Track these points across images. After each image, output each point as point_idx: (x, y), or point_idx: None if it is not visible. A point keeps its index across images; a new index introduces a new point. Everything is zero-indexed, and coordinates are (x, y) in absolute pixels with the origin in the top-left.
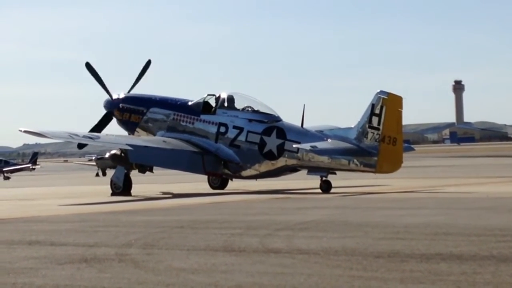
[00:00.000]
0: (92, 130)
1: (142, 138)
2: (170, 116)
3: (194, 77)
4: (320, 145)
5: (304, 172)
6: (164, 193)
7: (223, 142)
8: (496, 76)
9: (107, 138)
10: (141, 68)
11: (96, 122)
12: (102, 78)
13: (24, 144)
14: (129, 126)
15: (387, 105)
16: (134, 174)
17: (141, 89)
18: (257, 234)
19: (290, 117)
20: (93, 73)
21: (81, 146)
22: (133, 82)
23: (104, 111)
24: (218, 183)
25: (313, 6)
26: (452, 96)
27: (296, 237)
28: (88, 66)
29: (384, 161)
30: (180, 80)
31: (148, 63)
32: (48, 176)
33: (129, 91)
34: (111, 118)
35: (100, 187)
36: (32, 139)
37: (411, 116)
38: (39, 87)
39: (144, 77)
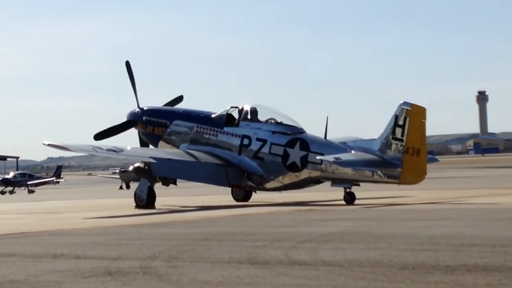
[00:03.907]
0: (105, 132)
1: (165, 151)
2: (194, 129)
3: (217, 89)
4: (343, 156)
5: (327, 183)
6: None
7: (247, 154)
8: None
9: (131, 151)
10: (127, 74)
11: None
12: (136, 83)
13: (48, 158)
14: (153, 138)
15: (410, 116)
16: (158, 187)
17: (164, 103)
18: (282, 246)
19: (313, 129)
20: (130, 74)
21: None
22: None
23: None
24: (242, 195)
25: (335, 18)
26: (475, 106)
27: (320, 249)
28: (128, 65)
29: (408, 172)
30: (202, 92)
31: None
32: (72, 189)
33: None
34: (129, 128)
35: (124, 200)
36: (56, 152)
37: (434, 127)
38: (63, 100)
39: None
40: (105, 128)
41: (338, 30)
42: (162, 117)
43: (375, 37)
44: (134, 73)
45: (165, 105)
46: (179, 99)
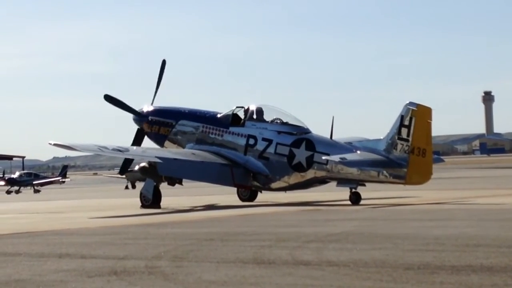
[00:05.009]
0: (115, 100)
1: (171, 151)
2: (199, 129)
3: (223, 90)
4: (349, 156)
5: (333, 184)
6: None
7: (252, 154)
8: None
9: (136, 151)
10: (158, 71)
11: (132, 138)
12: (124, 102)
13: (54, 157)
14: (158, 138)
15: (416, 117)
16: (164, 187)
17: (170, 102)
18: (287, 246)
19: (319, 129)
20: (114, 103)
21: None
22: (155, 88)
23: (133, 125)
24: (247, 195)
25: (341, 19)
26: (481, 107)
27: (325, 249)
28: (107, 97)
29: (414, 172)
30: (208, 93)
31: (163, 63)
32: (78, 189)
33: (153, 97)
34: (144, 135)
35: (129, 200)
36: (62, 152)
37: (440, 127)
38: (68, 100)
39: (163, 78)
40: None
41: (344, 31)
42: (168, 117)
43: (381, 38)
44: (117, 99)
45: (158, 78)
46: (163, 64)
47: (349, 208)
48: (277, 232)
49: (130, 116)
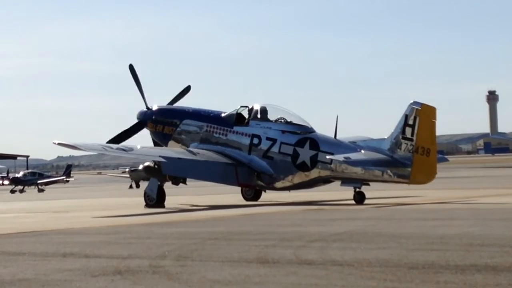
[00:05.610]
0: (118, 137)
1: (175, 150)
2: (203, 128)
3: (223, 90)
4: (353, 156)
5: (337, 183)
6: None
7: (256, 154)
8: None
9: (141, 150)
10: (180, 90)
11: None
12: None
13: (58, 157)
14: (162, 138)
15: (420, 116)
16: (168, 186)
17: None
18: (291, 245)
19: (323, 129)
20: (134, 77)
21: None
22: (139, 93)
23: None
24: (252, 194)
25: (344, 18)
26: (486, 106)
27: (329, 249)
28: (131, 68)
29: (418, 172)
30: (208, 93)
31: (188, 88)
32: (82, 188)
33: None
34: (141, 129)
35: (133, 199)
36: (66, 151)
37: (444, 127)
38: (73, 99)
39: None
40: (117, 133)
41: (347, 30)
42: (172, 116)
43: (386, 37)
44: (139, 76)
45: (174, 98)
46: (187, 89)
47: (353, 207)
48: (281, 231)
49: (133, 115)
